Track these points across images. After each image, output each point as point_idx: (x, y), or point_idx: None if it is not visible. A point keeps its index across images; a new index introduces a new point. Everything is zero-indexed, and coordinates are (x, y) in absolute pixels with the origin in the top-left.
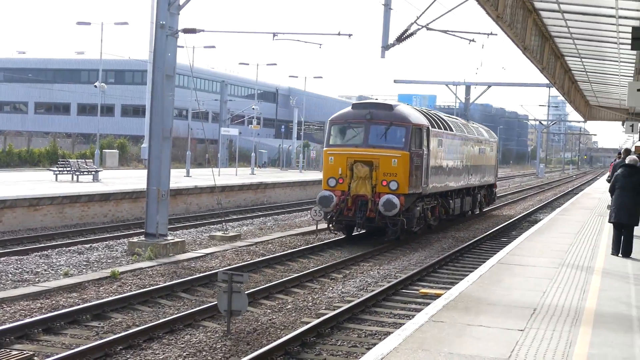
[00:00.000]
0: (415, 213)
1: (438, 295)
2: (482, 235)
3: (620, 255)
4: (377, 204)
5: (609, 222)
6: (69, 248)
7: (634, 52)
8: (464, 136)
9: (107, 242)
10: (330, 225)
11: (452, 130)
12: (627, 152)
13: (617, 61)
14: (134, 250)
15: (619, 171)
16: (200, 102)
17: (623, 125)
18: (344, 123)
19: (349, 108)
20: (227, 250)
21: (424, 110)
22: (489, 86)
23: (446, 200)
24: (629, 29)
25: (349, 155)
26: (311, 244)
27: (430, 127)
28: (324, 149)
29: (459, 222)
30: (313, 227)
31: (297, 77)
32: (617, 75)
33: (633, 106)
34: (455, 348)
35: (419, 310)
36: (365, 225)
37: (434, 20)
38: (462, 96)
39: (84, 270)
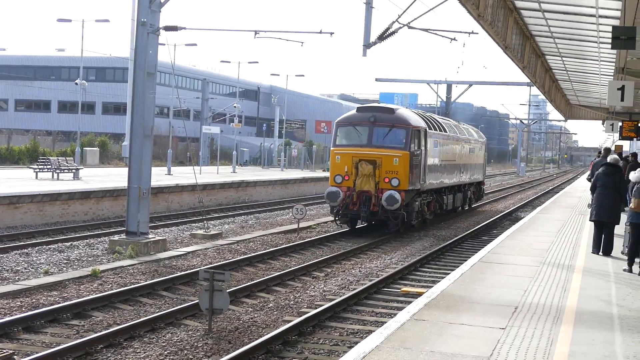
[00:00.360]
0: (414, 207)
1: (419, 294)
2: (464, 234)
3: (601, 253)
4: (380, 199)
5: (590, 220)
6: (50, 246)
7: (614, 51)
8: (456, 137)
9: (87, 241)
10: (337, 218)
11: (446, 132)
12: (607, 150)
13: (597, 60)
14: (115, 249)
15: (600, 170)
16: (182, 100)
17: (603, 124)
18: (350, 125)
19: (354, 111)
20: (208, 248)
21: (421, 113)
22: (470, 85)
23: (440, 196)
24: (609, 28)
25: (354, 154)
26: (293, 242)
27: (427, 129)
28: (331, 148)
29: (440, 221)
30: (294, 226)
31: (278, 75)
32: (598, 74)
33: (613, 105)
34: (437, 346)
35: (400, 309)
36: (369, 218)
37: (415, 19)
38: (444, 95)
39: (65, 269)
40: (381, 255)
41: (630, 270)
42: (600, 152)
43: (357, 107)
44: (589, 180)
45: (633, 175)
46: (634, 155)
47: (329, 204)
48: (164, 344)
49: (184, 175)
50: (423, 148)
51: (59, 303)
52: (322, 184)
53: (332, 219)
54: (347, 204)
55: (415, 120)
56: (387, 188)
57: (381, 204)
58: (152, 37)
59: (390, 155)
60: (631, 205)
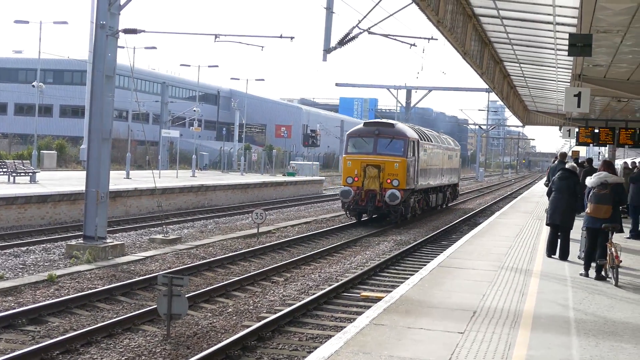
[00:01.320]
0: (409, 203)
1: (379, 299)
2: (422, 239)
3: (556, 257)
4: (384, 196)
5: (546, 224)
6: (5, 251)
7: (571, 58)
8: (439, 146)
9: (44, 245)
10: (347, 211)
11: (432, 142)
12: (563, 155)
13: (554, 67)
14: (72, 253)
15: (556, 175)
16: (141, 103)
17: (560, 130)
18: (358, 137)
19: (361, 125)
20: (167, 253)
21: (414, 127)
22: (430, 90)
23: (427, 196)
24: (566, 35)
25: (362, 160)
26: (252, 247)
27: (419, 139)
28: (343, 155)
29: (399, 226)
30: (254, 230)
31: (238, 79)
32: (555, 80)
33: (570, 111)
34: (396, 351)
35: (360, 314)
36: (374, 212)
37: (375, 24)
38: (403, 100)
39: (20, 274)
40: (341, 260)
41: (586, 275)
42: (556, 157)
43: (364, 123)
44: (546, 185)
45: (589, 181)
46: (589, 160)
47: (341, 200)
48: (121, 350)
49: (143, 179)
50: (416, 155)
51: (14, 308)
52: (283, 188)
53: (312, 219)
54: (357, 200)
55: (411, 133)
56: (389, 187)
57: (385, 200)
58: (111, 40)
59: (392, 161)
60: (587, 210)
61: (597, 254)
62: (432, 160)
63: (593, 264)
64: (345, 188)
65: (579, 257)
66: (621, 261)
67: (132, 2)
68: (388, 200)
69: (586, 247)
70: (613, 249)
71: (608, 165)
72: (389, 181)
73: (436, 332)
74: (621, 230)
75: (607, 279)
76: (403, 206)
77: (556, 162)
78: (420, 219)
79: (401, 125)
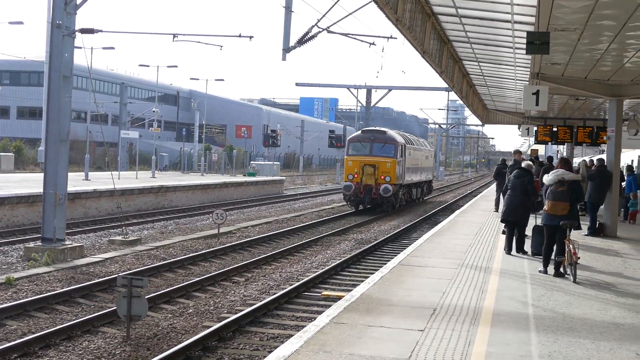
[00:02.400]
0: (399, 196)
1: (340, 297)
2: (383, 238)
3: (513, 252)
4: (379, 189)
5: (500, 221)
6: None
7: (529, 56)
8: (419, 148)
9: (1, 248)
10: (348, 202)
11: (414, 145)
12: (518, 153)
13: (513, 65)
14: (30, 256)
15: (512, 173)
16: (99, 104)
17: (519, 128)
18: (357, 141)
19: (359, 132)
20: (127, 254)
21: (401, 133)
22: (390, 90)
23: (410, 189)
24: (524, 34)
25: (361, 160)
26: (213, 247)
27: (405, 144)
28: (345, 157)
29: (360, 226)
30: (215, 231)
31: (198, 79)
32: (513, 79)
33: (528, 109)
34: (356, 349)
35: (320, 313)
36: (370, 202)
37: (335, 23)
38: (364, 99)
39: None
40: (302, 260)
41: (545, 272)
42: (504, 160)
43: (362, 130)
44: (494, 178)
45: (546, 178)
46: (549, 158)
47: (343, 193)
48: (80, 352)
49: (102, 180)
50: (403, 157)
51: None
52: (243, 189)
53: (273, 219)
54: (356, 193)
55: (399, 138)
56: (383, 183)
57: (379, 193)
58: (68, 40)
59: (385, 161)
60: (545, 207)
61: (555, 251)
62: (414, 160)
63: (552, 260)
64: (347, 183)
65: (532, 254)
66: (579, 258)
67: (88, 1)
68: (382, 193)
69: (544, 244)
70: (571, 246)
71: (565, 163)
72: (382, 177)
73: (396, 330)
74: (579, 227)
75: (566, 276)
76: (393, 198)
77: (507, 163)
78: (402, 210)
79: (392, 132)
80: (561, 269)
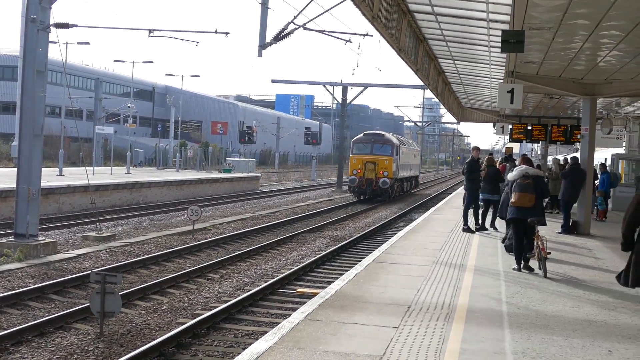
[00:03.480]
0: (395, 187)
1: (315, 294)
2: (359, 235)
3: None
4: (378, 182)
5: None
6: None
7: (504, 55)
8: (409, 148)
9: None
10: (353, 193)
11: (405, 145)
12: (476, 149)
13: (488, 64)
14: (3, 252)
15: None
16: (74, 99)
17: (494, 126)
18: (360, 143)
19: (362, 135)
20: (101, 250)
21: (396, 135)
22: (366, 87)
23: (402, 183)
24: (499, 32)
25: (363, 158)
26: (188, 244)
27: (399, 144)
28: (350, 155)
29: (335, 223)
30: (190, 227)
31: (174, 75)
32: (488, 77)
33: (503, 107)
34: (330, 346)
35: (295, 310)
36: (371, 193)
37: (311, 20)
38: (340, 97)
39: None
40: (277, 257)
41: (519, 269)
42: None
43: (364, 133)
44: (462, 173)
45: (510, 175)
46: (508, 156)
47: (349, 185)
48: (53, 349)
49: (76, 176)
50: (398, 155)
51: None
52: (219, 185)
53: (249, 215)
54: (360, 185)
55: (395, 140)
56: (382, 177)
57: (379, 185)
58: (43, 35)
59: (383, 159)
60: (512, 200)
61: (525, 247)
62: (406, 158)
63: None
64: (352, 177)
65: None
66: (549, 253)
67: None
68: (381, 185)
69: (514, 241)
70: (540, 242)
71: (527, 160)
72: (381, 172)
73: (371, 327)
74: (544, 224)
75: (536, 271)
76: (390, 189)
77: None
78: (391, 202)
79: (388, 135)
80: (531, 264)
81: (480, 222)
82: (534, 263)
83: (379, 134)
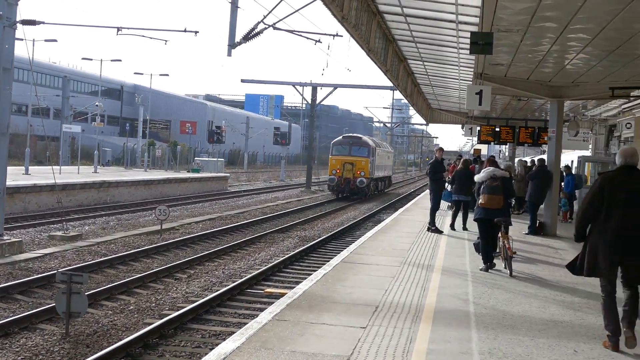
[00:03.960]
0: (370, 186)
1: (283, 295)
2: (327, 235)
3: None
4: (355, 182)
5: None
6: None
7: (473, 56)
8: (383, 150)
9: None
10: (332, 191)
11: (380, 147)
12: (440, 150)
13: (457, 65)
14: None
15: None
16: (41, 97)
17: (462, 128)
18: (339, 145)
19: (341, 137)
20: (67, 250)
21: (372, 138)
22: (335, 87)
23: (377, 182)
24: (468, 34)
25: (342, 159)
26: (155, 243)
27: (375, 147)
28: (330, 156)
29: (304, 223)
30: (157, 227)
31: (142, 74)
32: (457, 79)
33: (472, 109)
34: (298, 346)
35: (263, 310)
36: (349, 191)
37: (281, 20)
38: (309, 97)
39: None
40: (245, 257)
41: (486, 270)
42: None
43: (343, 136)
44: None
45: (477, 177)
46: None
47: (328, 184)
48: (17, 350)
49: (42, 175)
50: (374, 157)
51: None
52: (187, 185)
53: (217, 215)
54: (339, 184)
55: (371, 142)
56: (359, 177)
57: (356, 184)
58: (9, 31)
59: (361, 160)
60: (480, 201)
61: (492, 247)
62: (380, 159)
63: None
64: (331, 177)
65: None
66: (515, 253)
67: None
68: (358, 184)
69: (481, 241)
70: (506, 241)
71: (492, 162)
72: (358, 172)
73: (339, 327)
74: (510, 224)
75: (502, 271)
76: (366, 188)
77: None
78: (362, 202)
79: (365, 138)
80: (495, 263)
81: (451, 222)
82: (499, 263)
83: (356, 137)
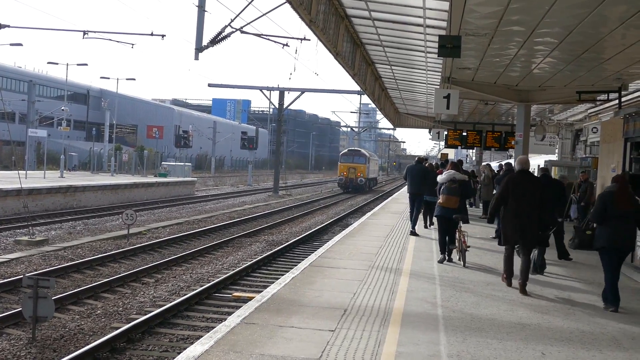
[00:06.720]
0: (367, 184)
1: (251, 298)
2: (295, 239)
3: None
4: (356, 181)
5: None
6: None
7: (441, 60)
8: (373, 158)
9: None
10: (341, 187)
11: (372, 157)
12: (422, 160)
13: (424, 69)
14: None
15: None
16: (6, 102)
17: (430, 132)
18: (345, 155)
19: (347, 150)
20: (33, 255)
21: (368, 151)
22: (303, 92)
23: (369, 181)
24: (436, 38)
25: (348, 165)
26: (122, 248)
27: (369, 156)
28: (339, 163)
29: (272, 227)
30: (125, 232)
31: (109, 78)
32: (425, 83)
33: (439, 113)
34: (266, 349)
35: (231, 314)
36: (352, 188)
37: (248, 24)
38: (277, 101)
39: None
40: (213, 261)
41: (443, 260)
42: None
43: (348, 149)
44: (404, 178)
45: (440, 177)
46: (459, 161)
47: (338, 182)
48: None
49: (8, 179)
50: (369, 164)
51: None
52: (154, 189)
53: (185, 220)
54: (345, 182)
55: (367, 154)
56: (359, 177)
57: (357, 182)
58: None
59: (360, 166)
60: (439, 200)
61: (448, 241)
62: (372, 166)
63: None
64: (340, 177)
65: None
66: (469, 246)
67: None
68: (359, 182)
69: (439, 235)
70: (461, 236)
71: (455, 165)
72: (359, 174)
73: (307, 330)
74: (467, 221)
75: (456, 262)
76: (364, 185)
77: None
78: (336, 204)
79: (363, 150)
80: (452, 256)
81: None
82: (455, 255)
83: (357, 150)
